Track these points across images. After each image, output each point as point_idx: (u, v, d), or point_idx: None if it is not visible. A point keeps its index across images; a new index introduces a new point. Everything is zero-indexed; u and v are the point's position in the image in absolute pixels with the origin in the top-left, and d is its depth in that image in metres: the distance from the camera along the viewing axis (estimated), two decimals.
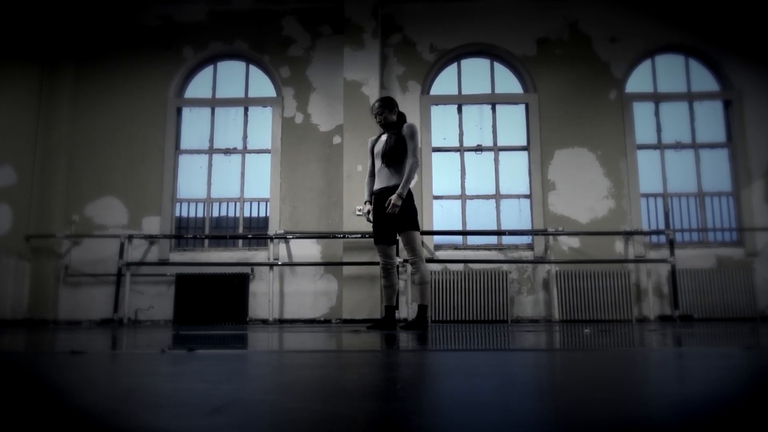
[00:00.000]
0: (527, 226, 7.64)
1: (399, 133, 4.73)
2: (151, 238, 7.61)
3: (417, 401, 1.05)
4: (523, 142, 7.88)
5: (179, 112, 8.12)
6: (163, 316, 7.43)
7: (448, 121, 8.01)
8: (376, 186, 4.82)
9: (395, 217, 4.64)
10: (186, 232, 7.85)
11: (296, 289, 7.47)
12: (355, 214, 7.23)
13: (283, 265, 7.45)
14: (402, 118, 4.84)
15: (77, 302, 7.52)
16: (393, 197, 4.58)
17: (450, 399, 1.08)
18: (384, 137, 4.83)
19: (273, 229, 7.60)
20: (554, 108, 7.82)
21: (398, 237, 4.78)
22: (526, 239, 7.64)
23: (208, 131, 8.11)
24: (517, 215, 7.73)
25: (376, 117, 4.82)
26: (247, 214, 7.91)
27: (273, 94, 8.07)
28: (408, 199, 4.68)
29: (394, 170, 4.72)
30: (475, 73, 8.14)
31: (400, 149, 4.69)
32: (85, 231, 7.69)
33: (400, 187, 4.60)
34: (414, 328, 4.60)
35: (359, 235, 7.09)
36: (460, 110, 8.03)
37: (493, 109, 8.01)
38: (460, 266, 7.38)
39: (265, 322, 7.32)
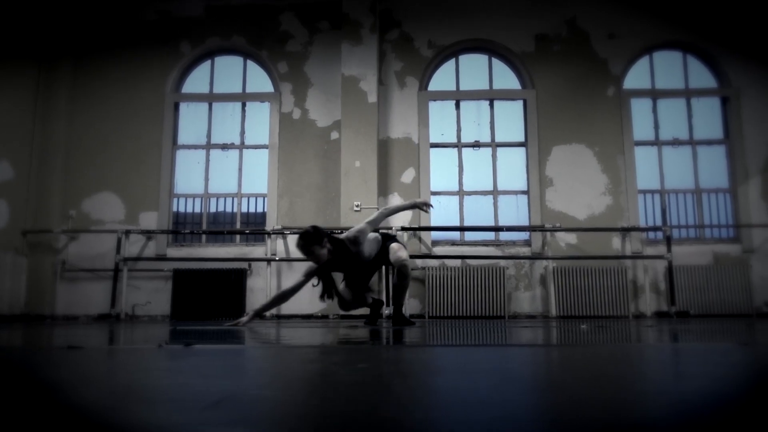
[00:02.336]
0: (525, 222, 7.64)
1: (347, 252, 4.29)
2: (149, 234, 7.60)
3: (415, 396, 1.05)
4: (521, 138, 7.88)
5: (176, 107, 8.10)
6: (161, 312, 7.43)
7: (445, 117, 8.00)
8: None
9: (383, 257, 4.54)
10: (183, 228, 7.83)
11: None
12: (353, 210, 7.23)
13: (281, 260, 7.45)
14: (334, 242, 4.27)
15: (74, 297, 7.51)
16: (422, 202, 4.67)
17: (448, 394, 1.08)
18: (337, 264, 4.35)
19: (270, 224, 7.60)
20: (552, 104, 7.82)
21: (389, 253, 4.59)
22: (523, 235, 7.65)
23: (206, 126, 8.10)
24: (514, 211, 7.74)
25: (309, 257, 4.26)
26: (244, 209, 7.90)
27: (270, 89, 8.06)
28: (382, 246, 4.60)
29: (368, 256, 4.47)
30: (473, 69, 8.13)
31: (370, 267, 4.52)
32: (82, 226, 7.67)
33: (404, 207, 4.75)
34: (407, 323, 4.61)
35: None
36: (458, 106, 8.02)
37: (491, 105, 8.00)
38: (457, 262, 7.38)
39: (262, 317, 7.32)
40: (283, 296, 4.59)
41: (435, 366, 1.61)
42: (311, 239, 4.20)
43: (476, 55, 8.16)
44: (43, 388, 1.18)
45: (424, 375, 1.41)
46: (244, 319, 4.49)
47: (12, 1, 7.45)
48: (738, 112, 7.75)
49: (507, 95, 7.99)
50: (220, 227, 7.91)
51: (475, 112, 8.01)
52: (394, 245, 4.56)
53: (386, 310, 6.84)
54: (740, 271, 7.20)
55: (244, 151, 8.01)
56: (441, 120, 7.98)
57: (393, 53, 7.97)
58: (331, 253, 4.24)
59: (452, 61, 8.14)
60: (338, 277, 4.65)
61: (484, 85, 8.05)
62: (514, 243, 7.60)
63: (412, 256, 7.28)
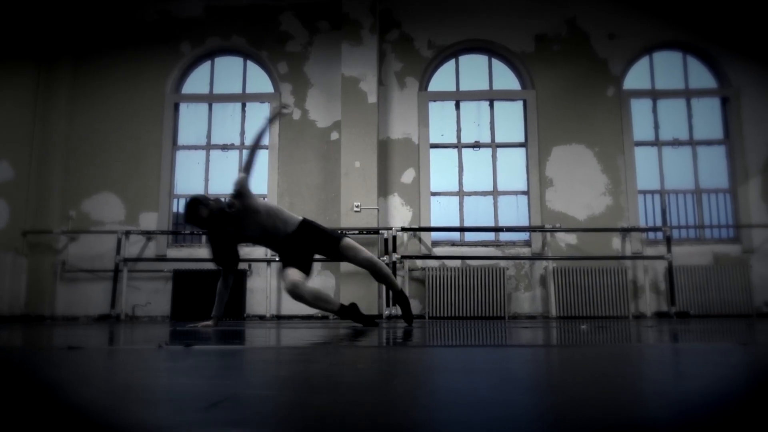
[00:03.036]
0: (525, 223, 7.64)
1: (226, 210, 4.22)
2: (149, 234, 7.60)
3: (415, 396, 1.05)
4: (521, 139, 7.88)
5: (177, 107, 8.10)
6: (161, 312, 7.43)
7: (445, 118, 8.00)
8: (281, 237, 4.44)
9: (316, 242, 4.44)
10: (183, 228, 7.84)
11: None
12: (353, 210, 7.23)
13: (281, 260, 7.43)
14: (215, 203, 4.23)
15: (74, 298, 7.51)
16: (277, 109, 4.30)
17: (448, 394, 1.08)
18: (224, 222, 4.25)
19: None
20: (552, 104, 7.82)
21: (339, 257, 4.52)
22: (523, 236, 7.65)
23: (206, 127, 8.10)
24: (514, 212, 7.74)
25: (199, 225, 4.19)
26: None
27: (270, 89, 8.06)
28: (306, 228, 4.48)
29: (273, 219, 4.36)
30: (473, 70, 8.13)
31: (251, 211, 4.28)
32: (82, 227, 7.67)
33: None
34: (411, 319, 4.69)
35: (357, 231, 7.08)
36: (458, 106, 8.02)
37: (491, 106, 8.00)
38: (457, 262, 7.38)
39: (262, 318, 7.32)
40: (221, 288, 4.51)
41: (435, 366, 1.60)
42: (194, 206, 4.13)
43: (476, 55, 8.16)
44: (43, 388, 1.18)
45: (424, 375, 1.41)
46: (209, 322, 4.45)
47: (12, 1, 7.45)
48: (738, 112, 7.76)
49: (507, 95, 7.99)
50: None
51: (475, 113, 8.01)
52: (347, 244, 4.43)
53: (386, 311, 6.85)
54: (740, 271, 7.20)
55: (244, 151, 8.01)
56: (441, 120, 7.98)
57: (393, 53, 7.97)
58: (213, 211, 4.17)
59: (452, 62, 8.14)
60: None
61: (484, 86, 8.05)
62: (514, 243, 7.60)
63: (411, 257, 7.29)
